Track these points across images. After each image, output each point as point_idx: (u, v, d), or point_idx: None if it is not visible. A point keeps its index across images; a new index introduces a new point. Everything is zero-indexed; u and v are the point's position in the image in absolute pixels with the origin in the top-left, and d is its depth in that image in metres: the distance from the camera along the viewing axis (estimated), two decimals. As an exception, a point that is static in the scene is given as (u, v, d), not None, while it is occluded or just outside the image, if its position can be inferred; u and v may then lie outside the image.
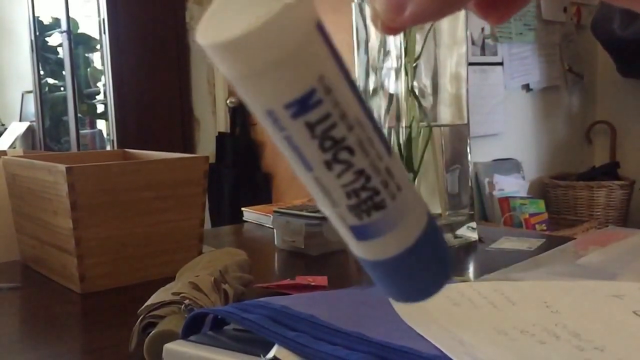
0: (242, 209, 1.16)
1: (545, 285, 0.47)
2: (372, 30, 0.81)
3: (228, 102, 3.03)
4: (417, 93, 0.81)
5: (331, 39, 0.17)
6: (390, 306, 0.41)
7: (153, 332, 0.48)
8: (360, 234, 0.19)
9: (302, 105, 0.17)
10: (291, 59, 0.16)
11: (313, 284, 0.66)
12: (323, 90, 0.17)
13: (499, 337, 0.36)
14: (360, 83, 0.84)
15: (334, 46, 0.17)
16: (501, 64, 2.73)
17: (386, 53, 0.81)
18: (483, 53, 2.66)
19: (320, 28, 0.17)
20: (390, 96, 0.81)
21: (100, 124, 3.90)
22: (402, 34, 0.79)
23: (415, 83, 0.81)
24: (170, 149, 1.02)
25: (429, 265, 0.21)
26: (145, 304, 0.52)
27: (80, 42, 3.73)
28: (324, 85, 0.17)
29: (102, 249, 0.72)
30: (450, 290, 0.44)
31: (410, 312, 0.40)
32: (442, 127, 0.86)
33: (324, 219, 0.85)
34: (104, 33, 2.99)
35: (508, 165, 2.73)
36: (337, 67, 0.17)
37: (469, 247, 0.86)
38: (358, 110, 0.18)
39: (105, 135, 3.72)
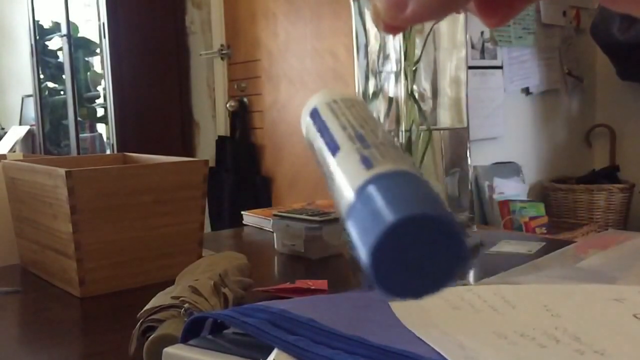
0: (242, 212, 1.16)
1: (546, 289, 0.47)
2: (372, 34, 0.81)
3: (228, 105, 3.03)
4: (416, 97, 0.81)
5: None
6: (390, 310, 0.41)
7: (152, 336, 0.48)
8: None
9: None
10: None
11: (313, 287, 0.66)
12: None
13: (498, 340, 0.36)
14: (360, 87, 0.84)
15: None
16: (501, 67, 2.74)
17: (386, 57, 0.81)
18: (483, 57, 2.67)
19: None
20: (390, 100, 0.81)
21: (100, 128, 3.91)
22: (401, 38, 0.79)
23: (415, 87, 0.81)
24: (170, 152, 1.02)
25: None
26: (145, 307, 0.52)
27: (80, 46, 3.74)
28: None
29: (102, 253, 0.72)
30: (450, 294, 0.44)
31: (410, 316, 0.40)
32: (441, 131, 0.86)
33: (323, 222, 0.85)
34: (104, 37, 3.00)
35: (508, 169, 2.73)
36: None
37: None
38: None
39: (105, 139, 3.73)
